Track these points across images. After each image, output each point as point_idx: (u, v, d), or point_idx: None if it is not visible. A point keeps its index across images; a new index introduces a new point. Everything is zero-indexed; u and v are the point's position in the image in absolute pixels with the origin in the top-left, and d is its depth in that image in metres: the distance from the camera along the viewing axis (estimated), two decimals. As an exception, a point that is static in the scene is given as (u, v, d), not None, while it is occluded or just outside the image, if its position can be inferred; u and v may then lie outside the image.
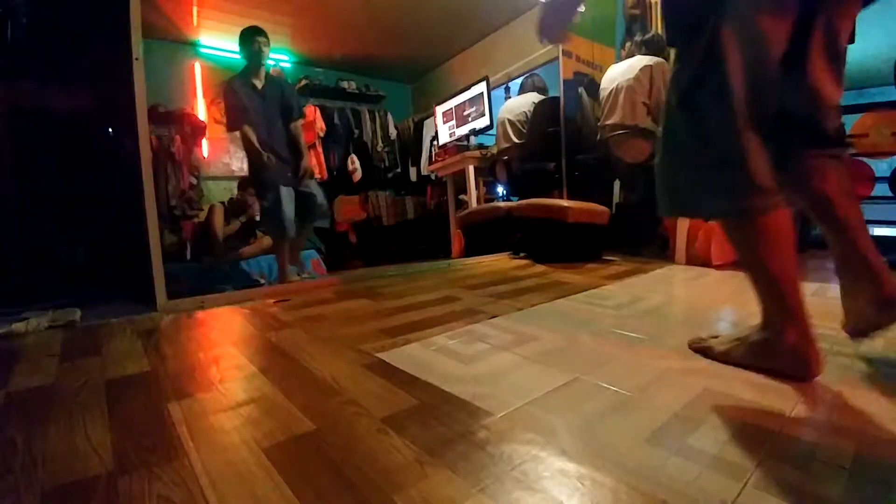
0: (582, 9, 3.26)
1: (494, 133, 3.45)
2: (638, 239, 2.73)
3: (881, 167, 2.50)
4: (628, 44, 2.76)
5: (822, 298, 1.36)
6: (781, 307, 0.78)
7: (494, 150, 3.44)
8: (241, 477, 0.55)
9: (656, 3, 3.01)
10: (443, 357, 0.96)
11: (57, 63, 2.80)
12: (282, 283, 2.51)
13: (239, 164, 4.27)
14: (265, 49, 2.47)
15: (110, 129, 2.81)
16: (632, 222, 2.81)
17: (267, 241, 3.50)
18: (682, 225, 2.16)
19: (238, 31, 2.54)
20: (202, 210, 3.77)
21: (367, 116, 4.84)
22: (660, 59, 2.50)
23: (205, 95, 4.11)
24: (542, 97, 3.26)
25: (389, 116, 5.00)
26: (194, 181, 3.88)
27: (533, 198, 2.67)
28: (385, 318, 1.34)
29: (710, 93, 0.76)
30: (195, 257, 3.52)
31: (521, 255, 2.72)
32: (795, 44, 0.77)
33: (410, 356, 0.97)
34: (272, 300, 1.69)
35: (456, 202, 3.90)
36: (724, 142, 0.76)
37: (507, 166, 3.29)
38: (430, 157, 4.51)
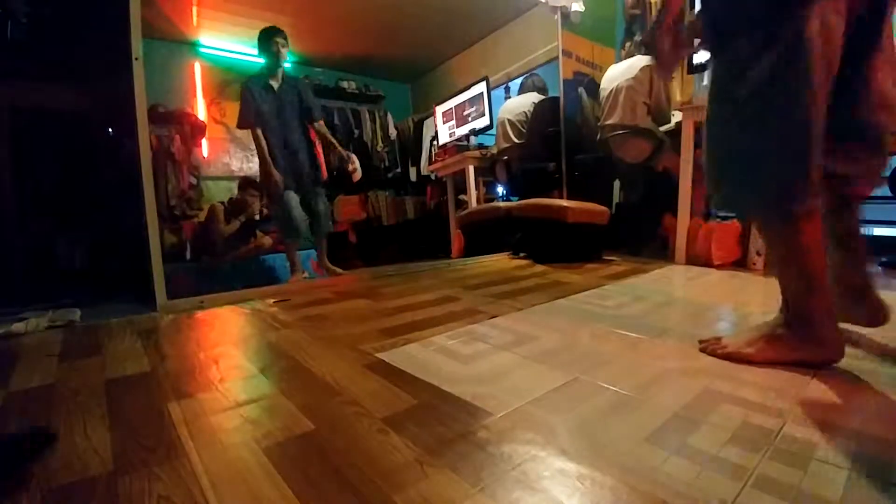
0: (582, 8, 3.23)
1: (494, 133, 3.45)
2: (638, 239, 2.73)
3: (881, 167, 2.50)
4: (628, 44, 2.76)
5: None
6: (813, 300, 0.81)
7: (494, 150, 3.44)
8: (241, 477, 0.55)
9: (656, 2, 3.01)
10: (443, 357, 0.96)
11: (57, 63, 2.80)
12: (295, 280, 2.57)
13: (239, 163, 4.27)
14: (283, 50, 2.48)
15: (110, 129, 2.81)
16: (632, 222, 2.81)
17: (267, 240, 3.51)
18: (682, 225, 2.16)
19: (237, 30, 2.55)
20: (202, 210, 3.77)
21: (367, 116, 4.84)
22: (660, 59, 2.49)
23: (205, 95, 4.11)
24: (542, 97, 3.25)
25: (389, 116, 5.00)
26: (194, 181, 3.87)
27: (533, 198, 2.67)
28: (385, 317, 1.34)
29: (787, 86, 0.74)
30: (195, 257, 3.52)
31: (521, 255, 2.72)
32: (854, 41, 0.77)
33: (410, 356, 0.97)
34: (272, 300, 1.69)
35: (456, 202, 3.89)
36: (792, 139, 0.75)
37: (506, 166, 3.29)
38: (430, 157, 4.50)
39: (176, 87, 3.95)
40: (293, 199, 2.51)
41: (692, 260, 2.12)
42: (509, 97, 3.57)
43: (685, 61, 2.41)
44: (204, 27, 3.76)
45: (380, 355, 0.98)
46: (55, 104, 2.92)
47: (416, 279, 2.07)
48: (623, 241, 2.75)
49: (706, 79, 2.23)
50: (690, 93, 2.79)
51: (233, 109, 4.19)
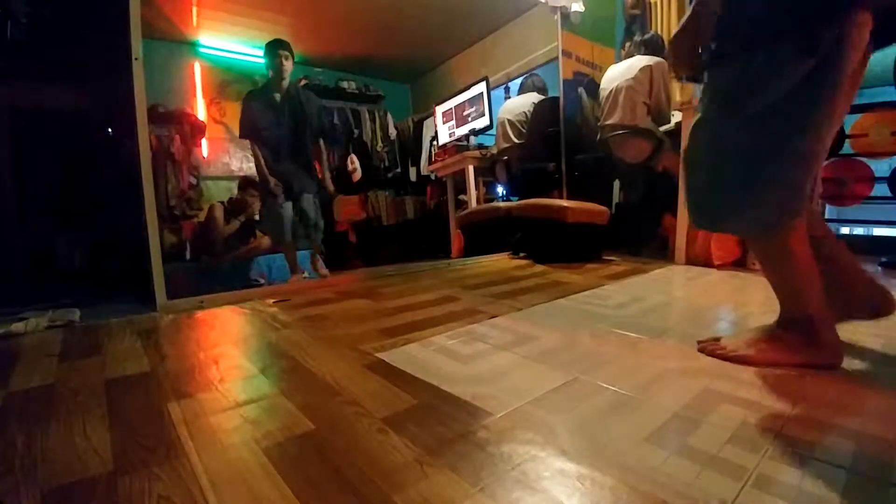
0: (582, 8, 3.23)
1: (494, 133, 3.45)
2: (637, 239, 2.73)
3: (881, 167, 2.50)
4: (628, 44, 2.76)
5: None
6: (809, 304, 0.82)
7: (494, 151, 3.44)
8: (240, 477, 0.55)
9: (656, 3, 3.01)
10: (443, 357, 0.96)
11: (57, 63, 2.80)
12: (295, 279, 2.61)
13: (238, 163, 4.27)
14: (287, 63, 2.49)
15: (110, 129, 2.81)
16: (631, 222, 2.81)
17: (266, 241, 3.51)
18: (682, 225, 2.16)
19: (237, 30, 2.56)
20: (202, 210, 3.77)
21: (367, 116, 4.84)
22: (659, 59, 2.50)
23: (204, 95, 4.11)
24: (542, 97, 3.25)
25: (389, 116, 5.00)
26: (194, 181, 3.87)
27: (532, 198, 2.67)
28: (385, 317, 1.34)
29: (812, 102, 0.73)
30: (195, 257, 3.52)
31: (521, 255, 2.72)
32: None
33: (410, 356, 0.97)
34: (272, 300, 1.69)
35: (456, 202, 3.89)
36: (805, 156, 0.75)
37: (506, 166, 3.29)
38: (430, 157, 4.50)
39: (176, 87, 3.94)
40: (287, 208, 2.56)
41: (692, 260, 2.13)
42: (509, 97, 3.57)
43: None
44: (204, 27, 3.75)
45: (380, 355, 0.98)
46: (55, 104, 2.92)
47: (416, 279, 2.07)
48: (623, 241, 2.75)
49: (705, 78, 2.23)
50: (690, 93, 2.79)
51: (232, 109, 4.21)
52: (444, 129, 4.01)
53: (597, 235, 2.49)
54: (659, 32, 2.80)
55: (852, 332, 0.97)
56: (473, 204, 3.38)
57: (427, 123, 4.70)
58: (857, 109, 2.43)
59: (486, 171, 3.51)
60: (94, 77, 2.76)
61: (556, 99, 3.18)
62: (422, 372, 0.87)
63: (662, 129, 2.53)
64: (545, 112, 3.13)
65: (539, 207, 2.51)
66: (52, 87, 2.88)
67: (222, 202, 3.60)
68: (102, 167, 2.83)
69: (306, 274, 2.84)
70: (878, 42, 0.78)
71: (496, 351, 0.98)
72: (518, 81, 3.55)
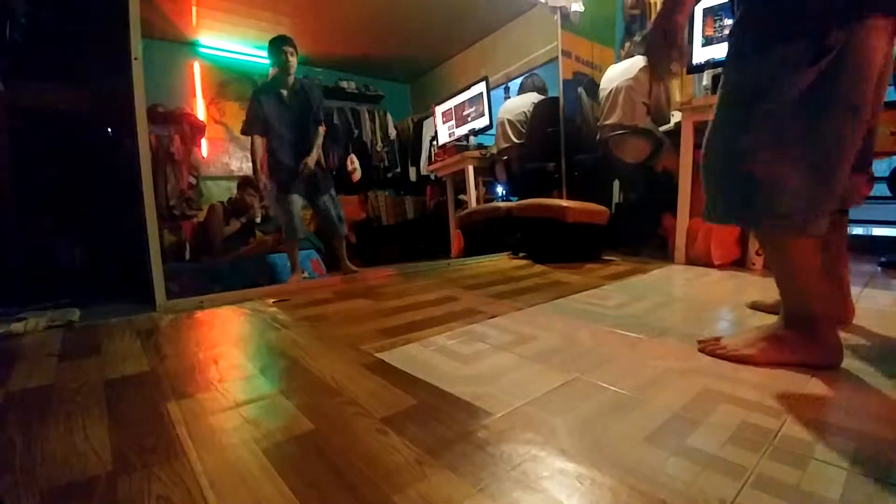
0: (582, 8, 3.23)
1: (494, 133, 3.45)
2: (637, 239, 2.73)
3: (881, 167, 2.49)
4: (628, 44, 2.76)
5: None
6: (813, 305, 0.82)
7: (494, 150, 3.44)
8: (240, 477, 0.55)
9: (656, 3, 3.02)
10: (442, 357, 0.96)
11: (56, 63, 2.79)
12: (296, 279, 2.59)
13: (238, 163, 4.27)
14: (291, 59, 2.50)
15: (109, 129, 2.81)
16: (631, 222, 2.81)
17: (267, 240, 3.51)
18: (682, 225, 2.16)
19: (237, 30, 2.56)
20: (201, 210, 3.77)
21: (367, 116, 4.84)
22: (659, 59, 2.49)
23: (204, 95, 4.11)
24: (542, 97, 3.25)
25: (389, 116, 5.00)
26: (193, 181, 3.87)
27: (532, 198, 2.67)
28: (385, 317, 1.34)
29: (835, 100, 0.72)
30: (195, 257, 3.52)
31: (521, 255, 2.72)
32: None
33: (410, 356, 0.97)
34: (272, 300, 1.69)
35: (455, 202, 3.89)
36: (829, 156, 0.74)
37: (506, 166, 3.29)
38: (430, 157, 4.50)
39: (175, 87, 3.95)
40: (297, 202, 2.56)
41: (692, 260, 2.12)
42: (509, 97, 3.57)
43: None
44: (203, 27, 3.75)
45: (379, 355, 0.98)
46: (55, 104, 2.92)
47: (416, 279, 2.07)
48: (623, 241, 2.75)
49: (706, 78, 2.23)
50: (690, 93, 2.80)
51: (232, 109, 4.21)
52: (443, 129, 4.01)
53: (596, 235, 2.49)
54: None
55: (852, 332, 0.97)
56: (473, 204, 3.37)
57: (427, 123, 4.70)
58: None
59: (486, 171, 3.51)
60: (93, 77, 2.76)
61: (555, 99, 3.18)
62: (421, 372, 0.87)
63: (662, 129, 2.53)
64: (545, 112, 3.13)
65: (539, 207, 2.51)
66: (51, 86, 2.88)
67: (222, 202, 3.60)
68: (102, 167, 2.83)
69: (306, 274, 2.84)
70: None
71: (496, 351, 0.98)
72: (518, 81, 3.55)
